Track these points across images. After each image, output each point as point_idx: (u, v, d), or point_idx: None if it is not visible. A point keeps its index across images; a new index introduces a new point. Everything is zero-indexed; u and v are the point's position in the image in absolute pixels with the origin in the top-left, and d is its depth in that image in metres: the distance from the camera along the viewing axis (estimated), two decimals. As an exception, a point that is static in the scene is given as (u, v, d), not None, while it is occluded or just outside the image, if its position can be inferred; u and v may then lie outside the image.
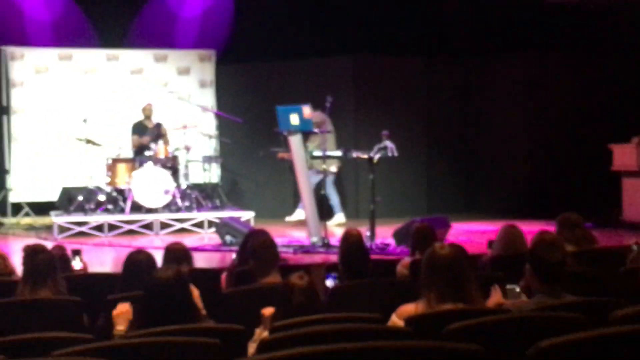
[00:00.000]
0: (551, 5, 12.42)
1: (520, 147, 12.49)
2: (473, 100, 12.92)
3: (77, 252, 5.60)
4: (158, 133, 11.15)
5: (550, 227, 5.77)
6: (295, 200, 11.25)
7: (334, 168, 10.91)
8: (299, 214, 10.64)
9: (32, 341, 3.07)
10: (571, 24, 12.63)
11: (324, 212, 9.67)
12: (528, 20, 12.63)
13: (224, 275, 5.28)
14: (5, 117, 12.07)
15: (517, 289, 3.85)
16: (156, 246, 8.51)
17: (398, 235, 8.73)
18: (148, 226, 10.46)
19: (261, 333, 3.49)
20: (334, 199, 11.06)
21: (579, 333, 2.08)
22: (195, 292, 3.88)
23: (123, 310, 3.56)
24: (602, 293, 4.19)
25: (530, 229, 6.41)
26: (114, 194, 10.82)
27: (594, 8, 12.53)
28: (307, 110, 8.79)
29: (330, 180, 10.74)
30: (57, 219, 10.48)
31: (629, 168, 10.02)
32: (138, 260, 4.60)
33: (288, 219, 10.99)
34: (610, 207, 10.59)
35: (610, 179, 10.52)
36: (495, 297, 3.92)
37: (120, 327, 3.57)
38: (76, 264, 5.47)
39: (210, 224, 10.44)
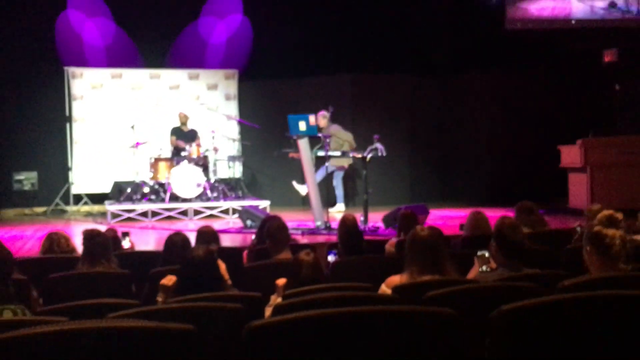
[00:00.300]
0: (511, 31, 12.40)
1: (487, 149, 12.49)
2: (449, 110, 12.90)
3: (126, 234, 5.62)
4: (192, 137, 11.18)
5: (510, 213, 5.77)
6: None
7: (345, 164, 10.93)
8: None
9: (90, 306, 3.07)
10: (527, 46, 12.61)
11: (330, 200, 10.00)
12: (492, 45, 12.61)
13: (245, 253, 5.28)
14: (68, 125, 12.09)
15: (487, 254, 3.84)
16: (190, 229, 8.51)
17: (386, 220, 8.72)
18: (184, 213, 10.47)
19: (275, 299, 3.50)
20: (340, 191, 11.07)
21: (534, 299, 2.08)
22: (223, 266, 3.89)
23: (171, 280, 3.56)
24: (552, 266, 4.19)
25: (494, 214, 6.40)
26: (156, 186, 10.84)
27: (546, 33, 12.51)
28: (312, 118, 8.77)
29: (339, 174, 10.89)
30: (110, 207, 10.50)
31: (574, 165, 10.00)
32: (175, 241, 4.62)
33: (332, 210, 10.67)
34: (558, 196, 10.59)
35: (559, 174, 10.52)
36: (474, 272, 3.93)
37: (161, 295, 3.58)
38: (125, 244, 5.48)
39: (234, 211, 10.45)
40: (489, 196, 11.60)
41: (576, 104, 12.12)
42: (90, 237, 4.43)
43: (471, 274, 3.93)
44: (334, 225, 8.24)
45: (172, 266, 4.04)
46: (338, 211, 10.51)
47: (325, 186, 10.00)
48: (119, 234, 5.58)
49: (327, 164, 10.32)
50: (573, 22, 12.45)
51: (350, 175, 11.77)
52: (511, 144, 12.27)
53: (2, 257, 2.75)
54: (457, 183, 12.87)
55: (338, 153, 9.60)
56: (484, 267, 3.78)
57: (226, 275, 3.95)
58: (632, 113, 11.26)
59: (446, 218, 9.81)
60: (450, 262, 3.65)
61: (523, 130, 12.26)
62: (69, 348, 1.71)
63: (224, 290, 3.61)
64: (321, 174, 10.34)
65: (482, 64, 12.60)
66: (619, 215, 3.27)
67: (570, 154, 10.03)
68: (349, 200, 11.69)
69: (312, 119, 8.77)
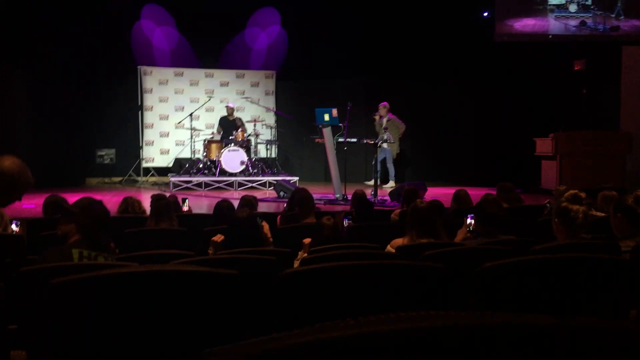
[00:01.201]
0: (498, 43, 12.22)
1: (474, 139, 12.40)
2: (443, 106, 12.78)
3: (185, 199, 5.63)
4: (236, 125, 11.21)
5: (493, 191, 5.71)
6: (325, 169, 11.24)
7: (395, 149, 10.99)
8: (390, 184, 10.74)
9: (156, 255, 3.09)
10: (512, 55, 12.43)
11: (383, 177, 10.48)
12: (481, 54, 12.44)
13: (278, 217, 5.30)
14: (140, 112, 12.19)
15: (471, 222, 3.83)
16: (235, 198, 8.56)
17: (392, 194, 8.71)
18: (230, 185, 10.54)
19: (302, 254, 3.50)
20: (391, 170, 11.02)
21: (511, 258, 2.07)
22: (266, 226, 3.89)
23: (220, 237, 3.58)
24: (526, 235, 4.16)
25: (479, 192, 6.35)
26: (209, 163, 10.92)
27: (527, 45, 12.32)
28: (335, 111, 8.76)
29: (390, 157, 10.92)
30: (172, 178, 10.60)
31: (546, 153, 9.90)
32: (222, 206, 4.65)
33: (385, 186, 10.78)
34: (533, 179, 10.49)
35: (534, 160, 10.41)
36: (461, 235, 3.92)
37: (211, 249, 3.61)
38: (185, 207, 5.51)
39: (270, 184, 10.49)
40: (475, 177, 11.51)
41: (550, 104, 11.96)
42: (156, 200, 4.46)
43: (459, 236, 3.91)
44: (350, 197, 8.28)
45: (220, 226, 4.07)
46: (390, 187, 10.49)
47: (381, 166, 10.45)
48: (179, 200, 5.62)
49: (385, 145, 10.33)
50: (550, 36, 12.23)
51: (363, 158, 11.76)
52: (494, 136, 12.17)
53: (103, 212, 2.79)
54: (450, 166, 12.78)
55: (354, 139, 9.49)
56: (470, 228, 3.78)
57: (269, 234, 3.95)
58: (595, 112, 11.09)
59: (440, 194, 9.75)
60: (442, 228, 3.63)
61: (505, 125, 12.15)
62: (141, 285, 1.74)
63: (264, 246, 3.62)
64: (382, 155, 10.54)
65: (473, 70, 12.44)
66: (583, 194, 3.22)
67: (544, 145, 9.93)
68: (363, 177, 11.68)
69: (334, 111, 8.75)
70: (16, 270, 2.38)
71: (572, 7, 12.10)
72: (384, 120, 10.65)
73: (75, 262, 2.52)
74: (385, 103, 10.73)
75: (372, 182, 10.43)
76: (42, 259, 2.55)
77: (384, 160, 10.79)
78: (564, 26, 12.17)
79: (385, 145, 10.25)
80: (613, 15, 11.92)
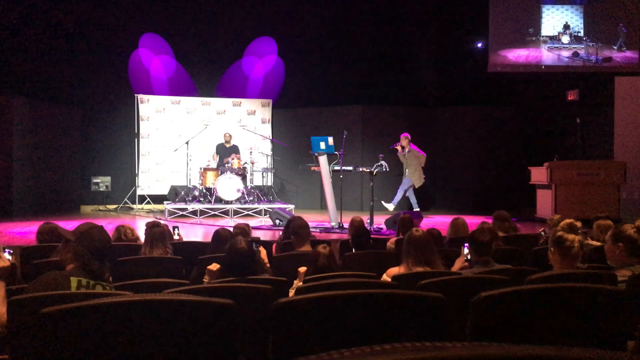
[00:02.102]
0: (492, 73, 12.36)
1: (471, 169, 12.43)
2: (439, 136, 12.86)
3: (175, 227, 5.52)
4: (233, 152, 11.23)
5: (489, 220, 5.72)
6: (321, 197, 11.24)
7: (417, 179, 10.69)
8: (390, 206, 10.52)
9: (150, 284, 3.07)
10: (505, 86, 12.57)
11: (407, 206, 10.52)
12: (476, 84, 12.58)
13: (274, 245, 5.28)
14: (136, 140, 12.21)
15: (466, 251, 3.81)
16: (230, 225, 8.54)
17: (388, 222, 8.70)
18: (226, 212, 10.51)
19: (298, 283, 3.48)
20: (412, 199, 10.76)
21: (507, 288, 2.06)
22: (264, 252, 3.86)
23: (216, 266, 3.55)
24: (521, 263, 4.15)
25: (476, 220, 6.36)
26: (204, 190, 10.90)
27: (521, 76, 12.46)
28: (330, 139, 8.79)
29: (410, 187, 10.72)
30: (167, 206, 10.56)
31: (541, 182, 9.94)
32: (222, 235, 4.61)
33: (386, 205, 10.59)
34: (528, 207, 10.52)
35: (529, 189, 10.44)
36: (459, 263, 3.90)
37: (207, 277, 3.58)
38: (175, 236, 5.41)
39: (266, 212, 10.47)
40: (472, 206, 11.53)
41: (544, 133, 12.07)
42: (150, 228, 4.45)
43: (457, 265, 3.90)
44: (346, 225, 8.25)
45: (217, 254, 4.04)
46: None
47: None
48: (170, 228, 5.55)
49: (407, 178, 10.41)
50: (543, 67, 12.39)
51: (359, 186, 11.76)
52: (490, 165, 12.22)
53: (105, 240, 2.77)
54: (446, 194, 12.81)
55: (350, 168, 9.49)
56: (467, 257, 3.76)
57: (266, 259, 3.92)
58: (589, 142, 11.18)
59: (436, 223, 9.75)
60: (438, 257, 3.62)
61: (500, 154, 12.22)
62: (134, 315, 1.72)
63: (262, 272, 3.58)
64: (405, 184, 10.55)
65: (468, 99, 12.58)
66: (578, 223, 3.23)
67: (539, 174, 9.98)
68: (358, 205, 11.67)
69: (330, 139, 8.79)
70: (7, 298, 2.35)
71: (565, 39, 12.30)
72: (406, 151, 10.57)
73: (72, 290, 2.49)
74: (406, 134, 10.66)
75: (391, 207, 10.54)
76: (38, 284, 2.52)
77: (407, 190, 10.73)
78: (557, 57, 12.35)
79: (407, 174, 10.36)
80: (615, 47, 12.11)
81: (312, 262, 3.58)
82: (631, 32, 12.06)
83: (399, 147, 10.67)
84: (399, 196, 10.75)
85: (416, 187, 10.69)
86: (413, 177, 10.61)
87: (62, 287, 2.49)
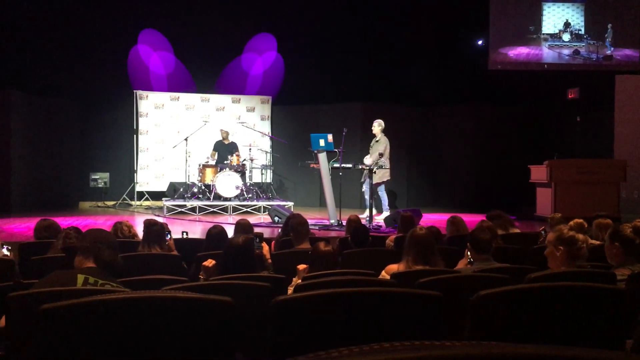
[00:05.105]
0: (492, 71, 12.37)
1: (470, 166, 12.44)
2: (439, 133, 12.87)
3: (168, 232, 5.36)
4: (232, 149, 11.23)
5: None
6: (320, 194, 11.24)
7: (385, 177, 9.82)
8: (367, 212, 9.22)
9: (148, 281, 3.07)
10: (506, 84, 12.57)
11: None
12: (476, 82, 12.58)
13: (273, 243, 5.27)
14: (135, 136, 12.20)
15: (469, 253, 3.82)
16: (229, 222, 8.55)
17: (387, 220, 8.70)
18: (224, 209, 10.51)
19: (296, 280, 3.48)
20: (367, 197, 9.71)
21: (507, 286, 2.06)
22: (266, 248, 3.86)
23: (211, 262, 3.55)
24: (522, 262, 4.15)
25: (475, 219, 6.37)
26: (203, 187, 10.89)
27: (521, 74, 12.46)
28: (330, 136, 8.79)
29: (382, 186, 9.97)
30: (166, 202, 10.57)
31: (541, 181, 9.94)
32: (213, 233, 4.61)
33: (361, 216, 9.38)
34: (527, 206, 10.52)
35: (529, 188, 10.44)
36: (462, 263, 3.91)
37: (203, 274, 3.57)
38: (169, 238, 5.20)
39: (265, 209, 10.47)
40: (471, 204, 11.53)
41: (544, 132, 12.07)
42: (149, 225, 4.43)
43: (460, 264, 3.91)
44: (344, 222, 8.25)
45: (212, 251, 4.03)
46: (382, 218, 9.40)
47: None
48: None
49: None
50: (544, 65, 12.39)
51: (358, 184, 11.77)
52: (490, 163, 12.22)
53: (113, 241, 2.78)
54: (445, 193, 12.82)
55: (349, 165, 9.45)
56: (470, 259, 3.77)
57: (268, 256, 3.91)
58: (589, 140, 11.19)
59: (435, 220, 9.75)
60: (438, 255, 3.62)
61: (500, 152, 12.22)
62: (132, 312, 1.72)
63: (264, 269, 3.58)
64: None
65: (468, 97, 12.57)
66: (586, 224, 3.23)
67: (539, 172, 9.98)
68: (358, 203, 11.67)
69: (330, 137, 8.78)
70: (4, 295, 2.35)
71: (566, 37, 12.29)
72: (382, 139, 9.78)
73: (78, 287, 2.49)
74: (379, 120, 9.93)
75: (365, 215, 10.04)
76: (44, 282, 2.53)
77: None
78: (557, 55, 12.35)
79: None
80: (607, 47, 12.13)
81: (312, 259, 3.57)
82: (627, 30, 12.07)
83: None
84: (384, 198, 10.00)
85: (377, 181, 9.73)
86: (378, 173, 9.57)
87: (68, 285, 2.49)
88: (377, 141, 9.90)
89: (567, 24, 12.29)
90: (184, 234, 5.47)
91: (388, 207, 9.91)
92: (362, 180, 9.77)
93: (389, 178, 10.03)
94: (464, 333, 1.97)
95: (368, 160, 9.67)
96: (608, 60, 12.19)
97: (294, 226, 4.75)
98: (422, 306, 2.01)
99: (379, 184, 9.85)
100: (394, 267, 3.55)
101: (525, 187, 10.55)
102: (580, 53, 12.24)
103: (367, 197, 9.58)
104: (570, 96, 11.76)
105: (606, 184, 9.68)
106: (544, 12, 12.34)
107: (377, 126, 9.92)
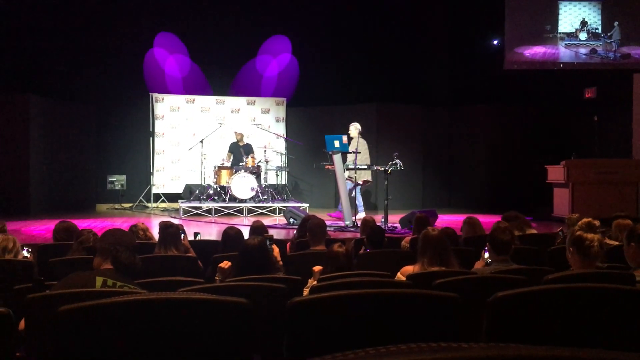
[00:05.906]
0: (508, 71, 12.27)
1: (486, 167, 12.36)
2: (454, 135, 12.81)
3: (183, 231, 5.38)
4: (247, 151, 11.26)
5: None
6: (335, 195, 11.23)
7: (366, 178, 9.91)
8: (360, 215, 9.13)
9: (165, 282, 3.09)
10: (522, 84, 12.47)
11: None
12: (492, 82, 12.50)
13: (288, 244, 5.28)
14: (151, 139, 12.30)
15: (486, 255, 3.80)
16: (245, 224, 8.57)
17: (402, 221, 8.67)
18: (240, 211, 10.54)
19: (312, 282, 3.48)
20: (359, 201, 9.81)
21: (524, 288, 2.04)
22: (276, 250, 3.88)
23: (227, 264, 3.56)
24: (538, 263, 4.11)
25: (491, 220, 6.32)
26: (219, 189, 10.93)
27: (538, 73, 12.36)
28: (345, 138, 8.78)
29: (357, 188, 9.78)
30: (182, 204, 10.62)
31: (558, 181, 9.84)
32: (230, 234, 4.62)
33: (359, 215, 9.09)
34: (544, 206, 10.42)
35: (546, 188, 10.34)
36: (479, 264, 3.89)
37: (219, 276, 3.59)
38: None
39: (280, 210, 10.48)
40: (487, 205, 11.46)
41: (561, 132, 11.95)
42: (164, 227, 4.47)
43: (477, 265, 3.89)
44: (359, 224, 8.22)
45: (229, 253, 4.05)
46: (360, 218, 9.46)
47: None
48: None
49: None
50: (561, 64, 12.27)
51: (374, 185, 11.76)
52: (506, 164, 12.13)
53: (132, 243, 2.81)
54: (460, 193, 12.75)
55: (364, 167, 9.48)
56: (487, 260, 3.74)
57: (278, 257, 3.93)
58: (607, 140, 11.06)
59: (451, 221, 9.70)
60: (453, 256, 3.60)
61: (516, 152, 12.12)
62: (148, 313, 1.74)
63: (275, 270, 3.58)
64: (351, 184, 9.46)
65: (484, 97, 12.49)
66: (597, 222, 3.18)
67: (556, 172, 9.88)
68: (373, 204, 11.65)
69: (344, 138, 8.78)
70: (24, 296, 2.38)
71: (582, 36, 12.16)
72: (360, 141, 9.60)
73: (97, 288, 2.52)
74: (355, 123, 9.76)
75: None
76: (64, 284, 2.56)
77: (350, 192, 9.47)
78: (574, 54, 12.22)
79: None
80: (612, 46, 11.99)
81: (327, 261, 3.57)
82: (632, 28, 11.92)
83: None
84: (359, 199, 9.75)
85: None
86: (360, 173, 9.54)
87: (86, 286, 2.52)
88: (358, 144, 9.51)
89: (583, 23, 12.16)
90: (197, 235, 5.50)
91: (363, 209, 9.85)
92: (351, 186, 9.52)
93: (370, 180, 10.04)
94: (480, 335, 1.96)
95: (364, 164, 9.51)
96: (626, 58, 12.03)
97: (312, 228, 4.74)
98: (438, 307, 2.00)
99: (366, 182, 9.88)
100: (409, 269, 3.54)
101: (542, 187, 10.45)
102: (597, 52, 12.11)
103: (358, 201, 9.63)
104: (587, 95, 11.64)
105: (624, 183, 9.56)
106: (560, 11, 12.23)
107: (354, 130, 9.78)
